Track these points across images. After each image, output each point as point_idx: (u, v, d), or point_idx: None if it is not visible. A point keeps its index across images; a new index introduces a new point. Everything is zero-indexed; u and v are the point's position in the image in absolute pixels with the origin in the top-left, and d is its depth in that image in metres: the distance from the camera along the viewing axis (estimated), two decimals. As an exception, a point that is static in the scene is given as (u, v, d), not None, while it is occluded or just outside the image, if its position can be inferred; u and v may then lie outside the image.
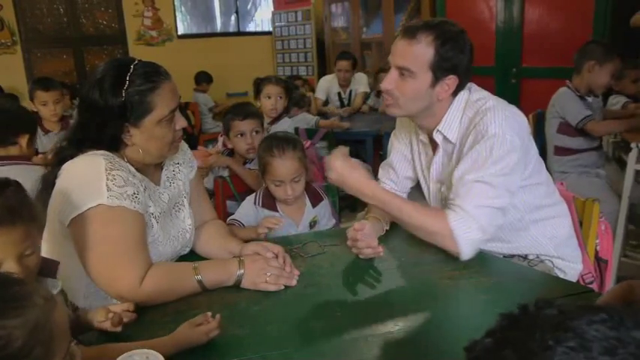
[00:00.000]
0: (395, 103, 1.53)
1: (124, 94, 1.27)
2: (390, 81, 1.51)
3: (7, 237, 0.91)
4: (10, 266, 0.91)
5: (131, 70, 1.29)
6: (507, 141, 1.41)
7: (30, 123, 2.15)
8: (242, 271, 1.33)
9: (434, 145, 1.62)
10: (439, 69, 1.46)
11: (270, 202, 1.89)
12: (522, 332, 0.49)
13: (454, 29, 1.50)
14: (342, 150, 1.51)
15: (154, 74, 1.31)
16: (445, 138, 1.55)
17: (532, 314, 0.51)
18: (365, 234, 1.46)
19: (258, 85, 3.20)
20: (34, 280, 0.97)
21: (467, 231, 1.40)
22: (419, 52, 1.46)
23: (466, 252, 1.42)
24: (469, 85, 1.56)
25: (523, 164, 1.47)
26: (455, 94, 1.53)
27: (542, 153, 3.11)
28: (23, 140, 2.03)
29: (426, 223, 1.45)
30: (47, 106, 3.11)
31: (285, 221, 1.79)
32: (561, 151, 2.85)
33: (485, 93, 1.56)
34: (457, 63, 1.47)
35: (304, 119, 4.01)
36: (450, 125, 1.53)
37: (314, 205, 1.92)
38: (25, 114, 2.24)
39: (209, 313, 1.10)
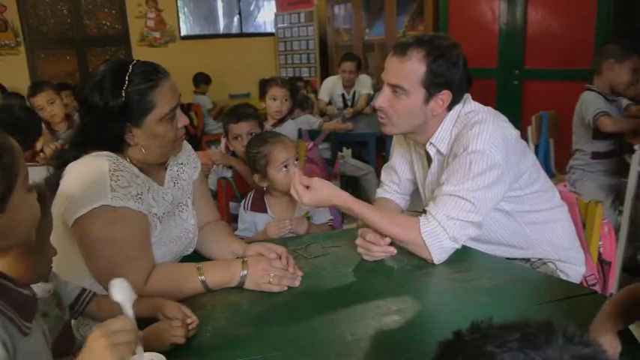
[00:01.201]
0: (389, 122, 1.53)
1: (123, 95, 1.27)
2: (383, 99, 1.51)
3: (47, 218, 1.00)
4: (49, 245, 1.02)
5: (130, 70, 1.29)
6: (488, 157, 1.40)
7: (40, 126, 2.28)
8: (245, 271, 1.33)
9: (429, 158, 1.63)
10: (432, 85, 1.46)
11: (259, 205, 1.90)
12: None
13: (446, 44, 1.48)
14: (297, 173, 1.48)
15: (152, 73, 1.31)
16: (438, 151, 1.56)
17: (461, 340, 0.53)
18: (386, 240, 1.45)
19: (264, 86, 3.22)
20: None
21: (438, 240, 1.41)
22: (411, 70, 1.45)
23: (438, 259, 1.43)
24: (465, 96, 1.56)
25: (508, 179, 1.46)
26: (450, 108, 1.53)
27: (546, 156, 3.14)
28: (39, 144, 2.17)
29: (398, 233, 1.45)
30: (44, 110, 3.08)
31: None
32: (599, 155, 2.85)
33: (477, 105, 1.55)
34: (450, 78, 1.46)
35: (307, 121, 4.01)
36: (443, 138, 1.54)
37: None
38: (39, 118, 2.36)
39: (187, 320, 1.11)
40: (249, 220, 1.88)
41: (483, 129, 1.43)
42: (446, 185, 1.45)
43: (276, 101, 3.05)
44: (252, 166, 1.91)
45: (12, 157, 0.79)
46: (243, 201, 1.94)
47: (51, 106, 3.12)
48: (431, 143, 1.56)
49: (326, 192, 1.45)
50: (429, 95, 1.47)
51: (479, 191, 1.41)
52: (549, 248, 1.60)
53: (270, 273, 1.32)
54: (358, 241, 1.47)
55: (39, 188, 1.04)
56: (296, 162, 1.86)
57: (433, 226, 1.41)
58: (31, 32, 6.30)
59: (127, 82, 1.27)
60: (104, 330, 0.83)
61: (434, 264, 1.44)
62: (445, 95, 1.48)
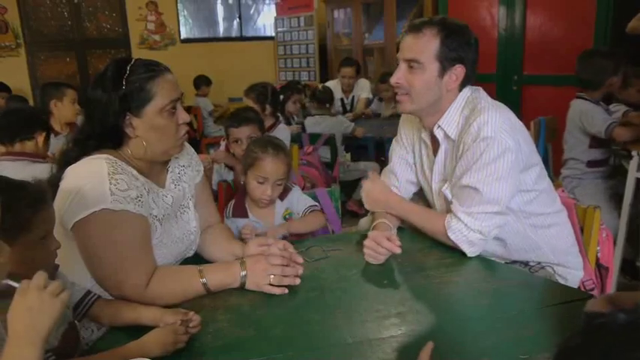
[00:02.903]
0: (407, 97, 1.56)
1: (124, 83, 1.29)
2: (399, 75, 1.55)
3: (51, 210, 1.05)
4: (53, 238, 1.04)
5: (132, 62, 1.33)
6: (499, 143, 1.43)
7: (45, 122, 2.30)
8: (245, 272, 1.34)
9: (435, 146, 1.64)
10: (446, 59, 1.51)
11: (240, 210, 1.89)
12: None
13: (458, 23, 1.56)
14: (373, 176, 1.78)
15: (153, 65, 1.34)
16: (446, 134, 1.58)
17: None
18: (397, 242, 1.48)
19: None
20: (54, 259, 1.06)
21: (462, 235, 1.48)
22: (425, 44, 1.51)
23: (469, 251, 1.49)
24: (475, 87, 1.60)
25: (520, 164, 1.48)
26: (461, 88, 1.57)
27: (545, 161, 3.15)
28: (40, 137, 2.17)
29: (427, 226, 1.60)
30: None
31: (256, 226, 1.81)
32: (594, 164, 2.87)
33: (482, 94, 1.59)
34: (463, 54, 1.52)
35: (341, 123, 4.00)
36: (450, 121, 1.57)
37: (282, 198, 1.90)
38: (41, 113, 2.42)
39: (178, 322, 1.11)
40: (233, 226, 1.87)
41: (491, 115, 1.46)
42: (461, 178, 1.49)
43: None
44: (245, 158, 1.91)
45: None
46: (225, 209, 1.93)
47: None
48: (439, 126, 1.58)
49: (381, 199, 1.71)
50: (443, 69, 1.52)
51: (494, 180, 1.44)
52: (549, 252, 1.61)
53: (270, 273, 1.33)
54: (368, 243, 1.49)
55: (40, 184, 1.05)
56: (278, 183, 1.81)
57: (456, 224, 1.48)
58: (31, 34, 6.31)
59: (128, 71, 1.30)
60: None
61: (435, 267, 1.46)
62: (459, 70, 1.53)
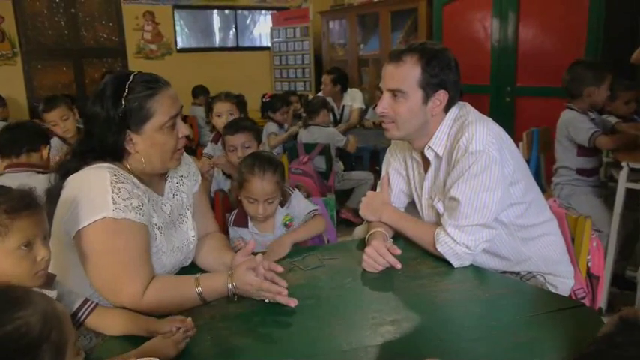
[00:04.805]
0: (393, 126, 1.60)
1: (123, 102, 1.31)
2: (384, 105, 1.58)
3: (35, 217, 1.02)
4: (39, 247, 1.03)
5: (130, 79, 1.33)
6: (487, 156, 1.46)
7: (48, 136, 2.43)
8: (232, 284, 1.32)
9: (426, 164, 1.67)
10: (428, 85, 1.54)
11: (241, 219, 1.91)
12: None
13: (437, 47, 1.58)
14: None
15: (152, 82, 1.35)
16: (437, 155, 1.61)
17: None
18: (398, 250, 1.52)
19: (210, 104, 3.11)
20: (46, 273, 1.06)
21: (449, 248, 1.51)
22: (407, 73, 1.53)
23: (456, 264, 1.53)
24: (462, 103, 1.63)
25: (508, 177, 1.51)
26: (447, 110, 1.59)
27: (537, 171, 3.19)
28: (45, 151, 2.28)
29: (418, 237, 1.63)
30: (58, 126, 3.09)
31: (256, 237, 1.83)
32: (583, 172, 2.91)
33: (469, 109, 1.62)
34: (444, 78, 1.55)
35: (333, 137, 3.94)
36: (440, 141, 1.60)
37: (282, 204, 1.91)
38: (45, 127, 2.59)
39: (173, 328, 1.12)
40: (234, 234, 1.90)
41: (478, 129, 1.49)
42: (449, 191, 1.52)
43: (221, 117, 2.93)
44: (237, 176, 1.91)
45: (61, 330, 0.77)
46: (229, 217, 1.96)
47: (64, 123, 3.12)
48: (429, 147, 1.61)
49: (378, 208, 1.73)
50: (427, 96, 1.55)
51: (481, 192, 1.47)
52: (540, 262, 1.63)
53: (263, 298, 1.33)
54: (369, 251, 1.51)
55: (25, 192, 1.04)
56: (269, 202, 1.81)
57: (444, 237, 1.52)
58: (28, 43, 6.31)
59: (127, 90, 1.32)
60: None
61: (429, 276, 1.48)
62: (442, 95, 1.55)
